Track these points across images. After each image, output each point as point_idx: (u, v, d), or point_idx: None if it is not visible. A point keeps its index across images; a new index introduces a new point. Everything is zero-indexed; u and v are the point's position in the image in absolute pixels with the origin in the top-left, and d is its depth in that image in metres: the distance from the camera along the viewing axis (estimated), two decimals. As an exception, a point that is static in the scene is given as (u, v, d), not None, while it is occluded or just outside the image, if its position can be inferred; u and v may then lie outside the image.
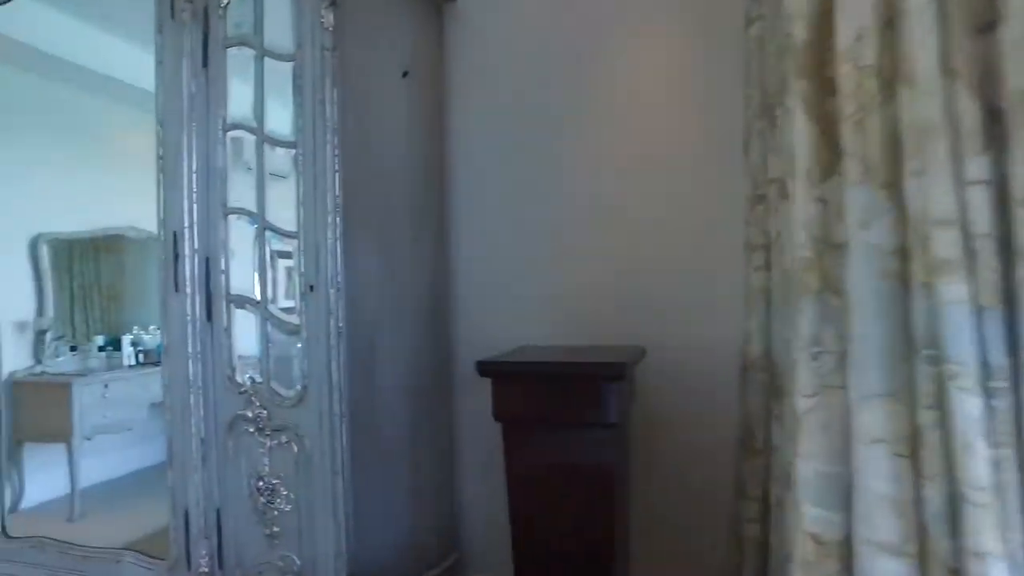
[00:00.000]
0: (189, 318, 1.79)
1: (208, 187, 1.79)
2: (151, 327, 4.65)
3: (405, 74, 1.96)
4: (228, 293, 1.78)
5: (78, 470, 3.65)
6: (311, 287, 1.66)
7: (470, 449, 2.18)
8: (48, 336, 3.93)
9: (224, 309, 1.78)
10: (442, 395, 2.13)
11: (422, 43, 2.09)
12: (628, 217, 2.03)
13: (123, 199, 4.56)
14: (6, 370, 3.79)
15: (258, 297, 1.76)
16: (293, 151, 1.69)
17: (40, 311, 3.94)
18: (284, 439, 1.71)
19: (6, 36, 3.34)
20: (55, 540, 2.25)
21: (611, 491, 1.50)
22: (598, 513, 1.51)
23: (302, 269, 1.67)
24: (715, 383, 1.92)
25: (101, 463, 4.24)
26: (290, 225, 1.71)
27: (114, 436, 4.03)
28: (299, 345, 1.68)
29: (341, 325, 1.63)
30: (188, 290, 1.79)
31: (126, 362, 4.17)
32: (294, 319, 1.71)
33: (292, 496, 1.71)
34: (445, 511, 2.15)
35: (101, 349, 4.22)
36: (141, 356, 4.26)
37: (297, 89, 1.69)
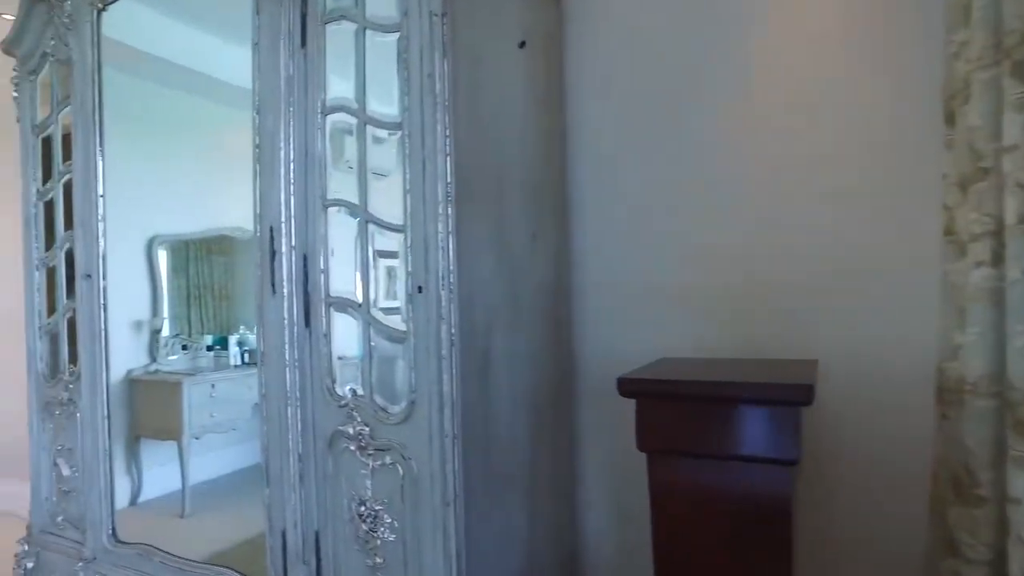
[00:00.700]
0: (286, 322, 1.62)
1: (306, 177, 1.62)
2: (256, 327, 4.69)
3: (522, 44, 1.71)
4: (328, 295, 1.60)
5: (188, 468, 3.68)
6: (419, 288, 1.44)
7: (595, 474, 1.91)
8: (162, 335, 4.01)
9: (323, 312, 1.59)
10: (562, 411, 1.87)
11: (538, 7, 1.84)
12: (785, 206, 1.69)
13: (230, 200, 4.61)
14: (125, 368, 3.89)
15: (360, 299, 1.56)
16: (398, 134, 1.48)
17: (155, 311, 4.01)
18: (388, 460, 1.50)
19: (118, 41, 3.37)
20: (160, 550, 2.17)
21: (787, 538, 1.19)
22: (769, 563, 1.20)
23: (409, 268, 1.46)
24: (899, 407, 1.55)
25: (209, 460, 4.29)
26: (393, 219, 1.50)
27: (221, 434, 4.06)
28: (405, 354, 1.47)
29: (454, 332, 1.40)
30: (285, 291, 1.62)
31: (232, 362, 4.19)
32: (399, 324, 1.49)
33: (397, 525, 1.50)
34: (566, 544, 1.89)
35: (209, 348, 4.27)
36: (246, 356, 4.29)
37: (403, 64, 1.47)
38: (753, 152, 1.71)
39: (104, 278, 2.15)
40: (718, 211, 1.75)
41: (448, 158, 1.42)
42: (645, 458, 1.31)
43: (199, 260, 4.38)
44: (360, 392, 1.55)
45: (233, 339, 4.25)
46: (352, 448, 1.55)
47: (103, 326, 2.14)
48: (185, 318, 4.27)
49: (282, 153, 1.62)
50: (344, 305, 1.59)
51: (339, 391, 1.58)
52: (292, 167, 1.62)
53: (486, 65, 1.59)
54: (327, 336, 1.59)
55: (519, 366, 1.66)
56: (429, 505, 1.44)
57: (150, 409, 3.80)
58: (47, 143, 2.34)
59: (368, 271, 1.56)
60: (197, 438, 3.75)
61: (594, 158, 1.92)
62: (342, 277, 1.65)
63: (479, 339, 1.51)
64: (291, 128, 1.63)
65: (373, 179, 1.56)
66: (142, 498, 3.88)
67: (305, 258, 1.63)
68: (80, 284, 2.16)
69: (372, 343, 1.53)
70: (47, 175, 2.36)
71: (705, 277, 1.75)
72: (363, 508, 1.54)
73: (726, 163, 1.74)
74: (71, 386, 2.22)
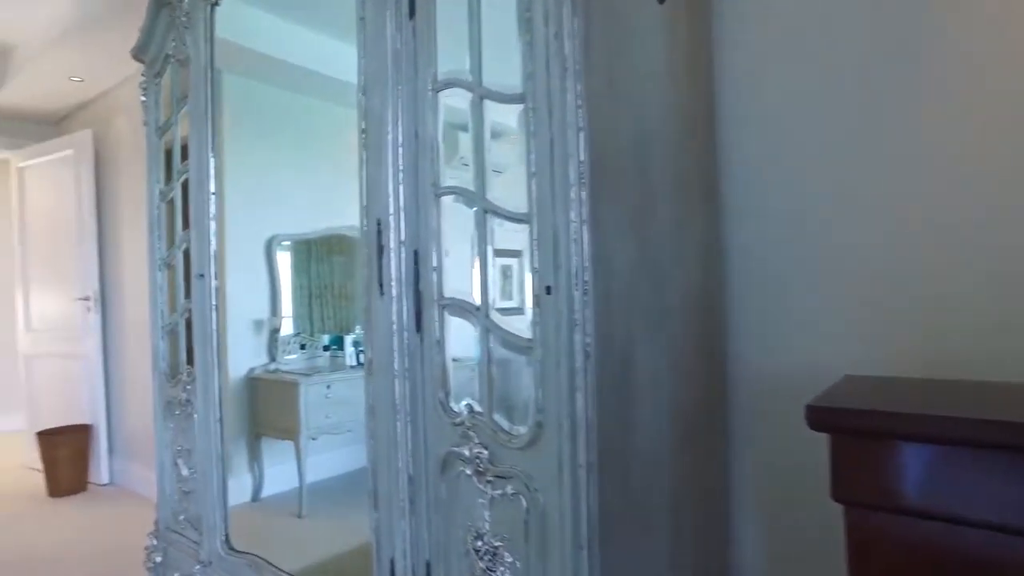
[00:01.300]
0: (395, 326, 1.44)
1: (416, 163, 1.43)
2: (363, 332, 4.67)
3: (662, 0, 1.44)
4: (441, 296, 1.41)
5: (305, 468, 3.68)
6: (548, 289, 1.20)
7: (753, 513, 1.61)
8: (281, 334, 4.05)
9: (436, 316, 1.40)
10: (713, 438, 1.58)
11: (682, -43, 1.56)
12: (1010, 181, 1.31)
13: (347, 200, 4.61)
14: (246, 366, 3.97)
15: (477, 302, 1.35)
16: (521, 106, 1.26)
17: (273, 310, 4.06)
18: (510, 490, 1.28)
19: (237, 44, 3.38)
20: (270, 564, 2.08)
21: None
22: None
23: (535, 264, 1.23)
24: None
25: (326, 460, 4.31)
26: (516, 209, 1.28)
27: (336, 435, 4.04)
28: (531, 367, 1.24)
29: (589, 341, 1.16)
30: (394, 292, 1.45)
31: (348, 362, 4.17)
32: (523, 331, 1.27)
33: (519, 566, 1.28)
34: (716, 594, 1.60)
35: (326, 348, 4.29)
36: (361, 357, 4.27)
37: (524, 24, 1.25)
38: (975, 136, 1.34)
39: (216, 278, 2.07)
40: (910, 193, 1.39)
41: (581, 133, 1.18)
42: (834, 503, 1.01)
43: (318, 260, 4.41)
44: (477, 409, 1.34)
45: (349, 339, 4.24)
46: (468, 473, 1.35)
47: (214, 327, 2.05)
48: (304, 318, 4.31)
49: (390, 137, 1.45)
50: (459, 308, 1.39)
51: (454, 406, 1.38)
52: (401, 152, 1.44)
53: (622, 23, 1.34)
54: (440, 343, 1.39)
55: (663, 382, 1.39)
56: (558, 547, 1.21)
57: (269, 408, 3.85)
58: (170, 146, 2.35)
59: (487, 268, 1.35)
60: (313, 439, 3.74)
61: (751, 133, 1.61)
62: (455, 276, 1.46)
63: (617, 349, 1.26)
64: (399, 108, 1.45)
65: (491, 174, 1.35)
66: (264, 493, 3.94)
67: (416, 255, 1.44)
68: (194, 284, 2.10)
69: (491, 352, 1.32)
70: (169, 176, 2.34)
71: (889, 276, 1.40)
72: (480, 542, 1.33)
73: (936, 143, 1.38)
74: (188, 387, 2.18)
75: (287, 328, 4.03)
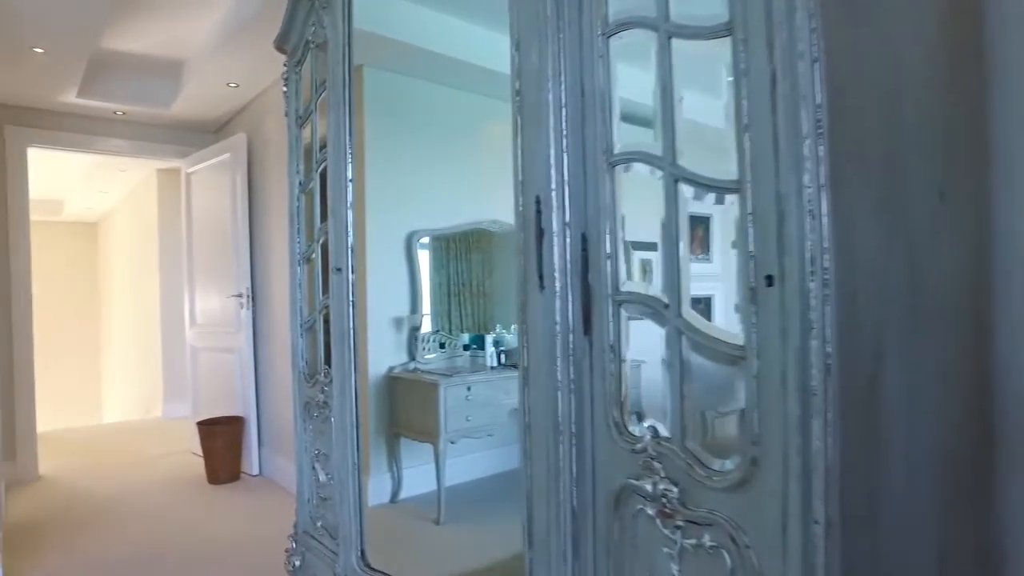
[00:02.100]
0: (558, 327, 1.18)
1: (583, 125, 1.16)
2: (513, 325, 4.49)
3: None
4: (616, 290, 1.13)
5: (444, 473, 3.55)
6: (769, 279, 0.89)
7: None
8: (420, 332, 3.97)
9: (610, 315, 1.13)
10: (983, 477, 1.18)
11: None
12: None
13: (488, 193, 4.46)
14: (386, 365, 3.92)
15: (665, 298, 1.06)
16: (725, 39, 0.95)
17: (413, 307, 3.98)
18: (708, 541, 0.99)
19: (377, 35, 3.30)
20: (406, 583, 1.90)
21: None
22: None
23: (750, 247, 0.92)
24: None
25: (465, 463, 4.17)
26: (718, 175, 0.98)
27: (476, 439, 3.89)
28: (743, 383, 0.93)
29: (830, 350, 0.83)
30: (557, 285, 1.19)
31: (488, 363, 4.01)
32: (735, 336, 0.96)
33: (723, 642, 0.97)
34: None
35: (466, 348, 4.15)
36: (502, 357, 4.09)
37: (728, -67, 0.94)
38: None
39: (353, 272, 1.93)
40: None
41: (816, 66, 0.85)
42: None
43: (457, 256, 4.30)
44: (664, 433, 1.05)
45: (489, 339, 4.08)
46: (650, 513, 1.06)
47: (351, 324, 1.91)
48: (444, 315, 4.21)
49: (550, 95, 1.19)
50: (641, 305, 1.10)
51: (633, 428, 1.09)
52: (564, 113, 1.18)
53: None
54: (615, 348, 1.12)
55: (922, 407, 1.02)
56: (780, 626, 0.89)
57: (408, 408, 3.77)
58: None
59: (676, 253, 1.06)
60: (453, 442, 3.61)
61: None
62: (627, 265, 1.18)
63: (864, 362, 0.92)
64: (561, 61, 1.19)
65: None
66: (402, 495, 3.88)
67: (584, 239, 1.17)
68: (332, 279, 1.98)
69: (685, 362, 1.02)
70: (309, 167, 2.25)
71: None
72: (667, 603, 1.04)
73: None
74: (326, 388, 2.06)
75: (426, 326, 3.94)
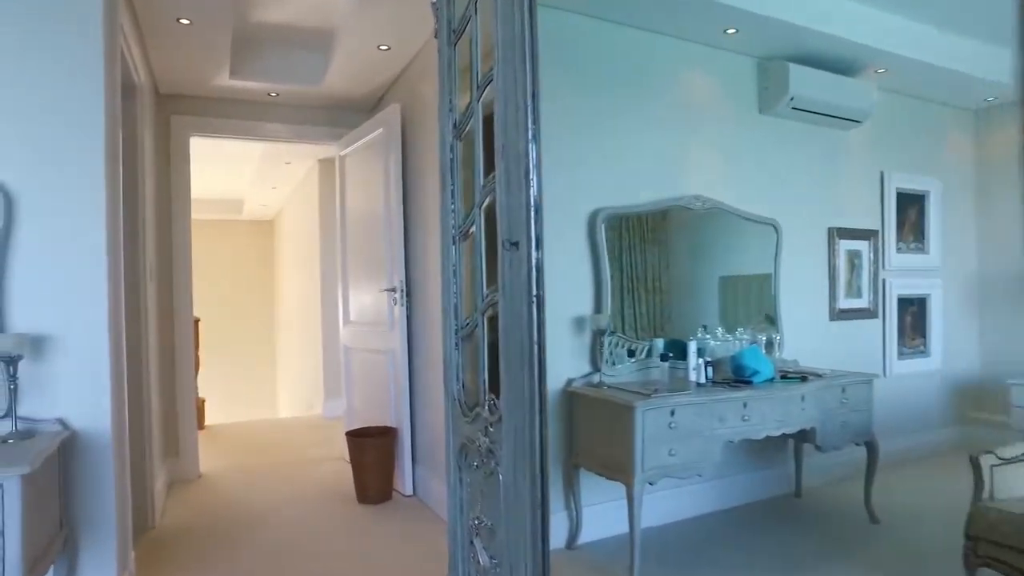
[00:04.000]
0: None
1: None
2: (718, 328, 3.56)
3: None
4: None
5: (639, 519, 2.74)
6: None
7: None
8: (606, 337, 3.15)
9: None
10: None
11: None
12: None
13: (690, 163, 3.55)
14: (563, 376, 3.16)
15: None
16: None
17: (598, 306, 3.17)
18: None
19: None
20: None
21: None
22: None
23: None
24: None
25: (661, 500, 3.32)
26: None
27: (681, 480, 3.01)
28: None
29: None
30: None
31: (693, 378, 3.13)
32: None
33: None
34: None
35: (663, 357, 3.30)
36: (709, 371, 3.19)
37: None
38: None
39: (536, 248, 1.18)
40: None
41: None
42: None
43: (643, 239, 3.44)
44: None
45: (692, 346, 3.19)
46: None
47: (535, 332, 1.16)
48: (630, 314, 3.35)
49: None
50: None
51: None
52: None
53: None
54: None
55: None
56: None
57: (591, 434, 2.95)
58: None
59: None
60: (651, 483, 2.79)
61: None
62: None
63: None
64: None
65: None
66: (582, 538, 3.11)
67: None
68: (501, 260, 1.24)
69: None
70: (468, 97, 1.55)
71: None
72: None
73: None
74: (492, 428, 1.33)
75: (611, 327, 3.11)
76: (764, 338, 3.51)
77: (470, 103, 1.47)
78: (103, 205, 2.20)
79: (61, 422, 2.12)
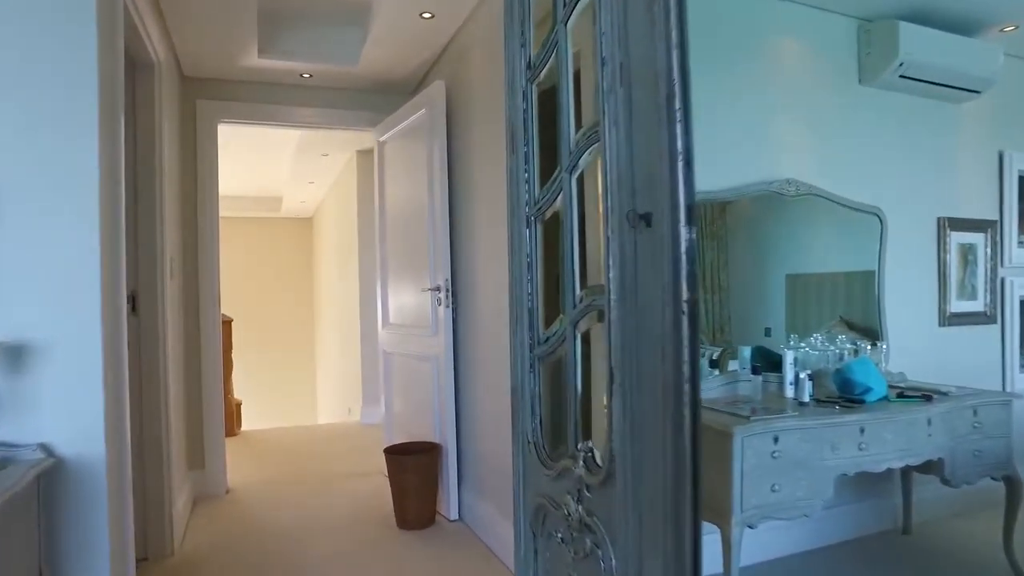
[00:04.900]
0: None
1: None
2: (817, 336, 3.04)
3: None
4: None
5: (736, 567, 2.27)
6: None
7: None
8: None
9: None
10: None
11: None
12: None
13: (778, 143, 3.04)
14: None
15: None
16: None
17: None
18: None
19: None
20: None
21: None
22: None
23: None
24: None
25: (759, 536, 2.84)
26: None
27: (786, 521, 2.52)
28: None
29: None
30: None
31: (792, 395, 2.64)
32: None
33: None
34: None
35: (756, 371, 2.82)
36: (810, 386, 2.68)
37: None
38: None
39: (689, 225, 0.75)
40: None
41: None
42: None
43: (707, 233, 2.96)
44: None
45: (790, 357, 2.71)
46: None
47: (687, 357, 0.72)
48: (710, 316, 2.92)
49: None
50: None
51: None
52: None
53: None
54: None
55: None
56: None
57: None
58: None
59: None
60: (751, 526, 2.33)
61: None
62: None
63: None
64: None
65: None
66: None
67: None
68: (618, 243, 0.81)
69: None
70: (543, 31, 1.12)
71: None
72: None
73: None
74: (590, 493, 0.90)
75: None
76: (867, 347, 2.99)
77: (553, 27, 1.04)
78: (96, 196, 1.85)
79: (45, 448, 1.76)
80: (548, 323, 1.07)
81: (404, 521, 3.23)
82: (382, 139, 4.06)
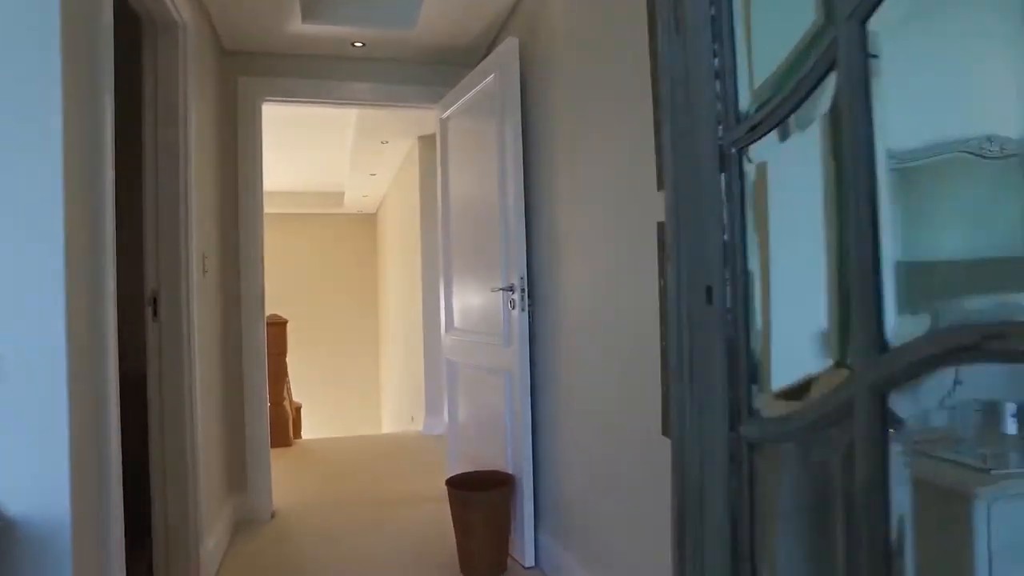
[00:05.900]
0: None
1: None
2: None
3: None
4: None
5: None
6: None
7: None
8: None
9: None
10: None
11: None
12: None
13: (985, 89, 2.33)
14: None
15: None
16: None
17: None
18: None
19: None
20: None
21: None
22: None
23: None
24: None
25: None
26: None
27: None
28: None
29: None
30: None
31: (1009, 429, 1.90)
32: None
33: None
34: None
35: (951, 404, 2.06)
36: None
37: None
38: None
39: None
40: None
41: None
42: None
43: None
44: None
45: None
46: None
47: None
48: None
49: None
50: None
51: None
52: None
53: None
54: None
55: None
56: None
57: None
58: None
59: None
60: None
61: None
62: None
63: None
64: None
65: None
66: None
67: None
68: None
69: None
70: None
71: None
72: None
73: None
74: None
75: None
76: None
77: None
78: (59, 200, 1.38)
79: (-17, 508, 1.30)
80: (781, 375, 0.48)
81: (469, 567, 2.67)
82: (445, 115, 3.52)
